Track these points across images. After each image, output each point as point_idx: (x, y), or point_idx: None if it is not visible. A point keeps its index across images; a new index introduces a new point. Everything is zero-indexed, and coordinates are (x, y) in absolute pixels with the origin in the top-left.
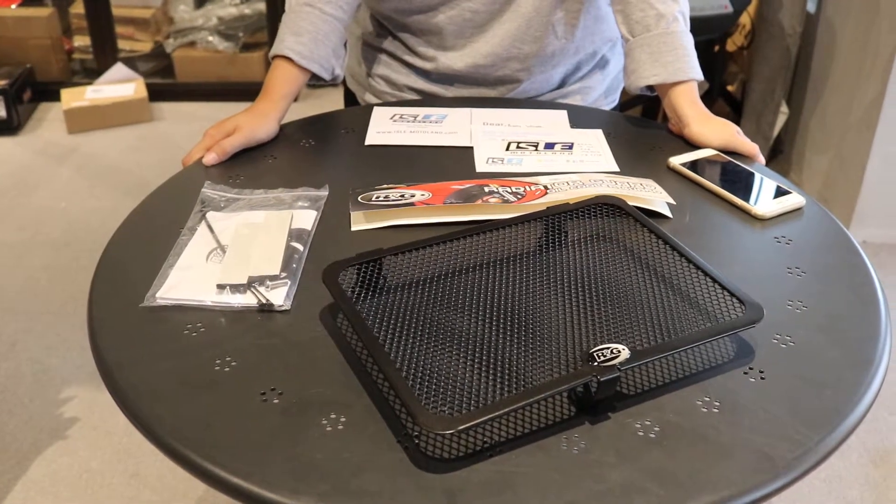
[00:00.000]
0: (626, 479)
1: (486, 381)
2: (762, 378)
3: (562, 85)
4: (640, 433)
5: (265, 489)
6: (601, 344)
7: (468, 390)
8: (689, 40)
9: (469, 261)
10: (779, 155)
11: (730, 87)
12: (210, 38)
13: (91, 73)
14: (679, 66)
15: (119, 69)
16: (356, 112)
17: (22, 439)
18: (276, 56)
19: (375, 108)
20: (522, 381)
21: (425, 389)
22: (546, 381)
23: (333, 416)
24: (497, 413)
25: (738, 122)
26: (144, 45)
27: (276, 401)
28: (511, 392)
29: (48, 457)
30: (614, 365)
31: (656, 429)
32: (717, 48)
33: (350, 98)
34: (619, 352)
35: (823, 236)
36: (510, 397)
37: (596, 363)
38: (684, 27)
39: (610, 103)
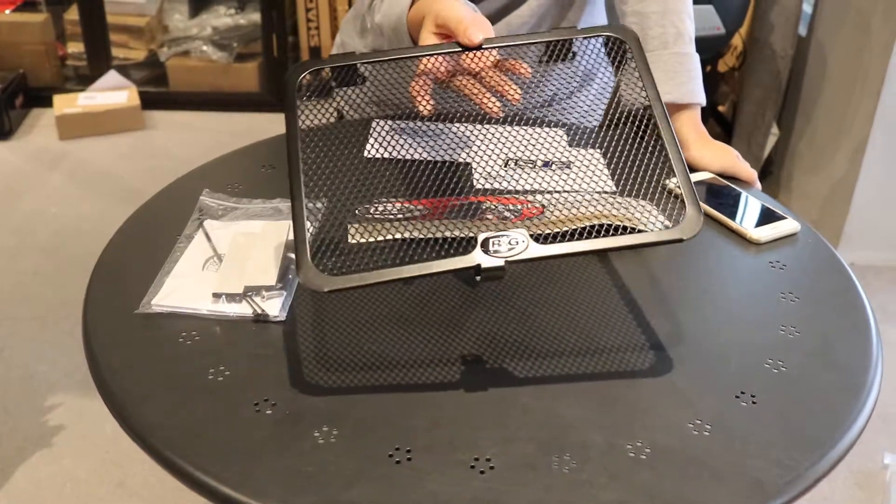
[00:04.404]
0: (616, 500)
1: (389, 257)
2: (753, 402)
3: (549, 103)
4: (631, 454)
5: (255, 499)
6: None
7: (368, 260)
8: (699, 64)
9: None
10: (768, 176)
11: (721, 108)
12: (204, 48)
13: (84, 79)
14: (690, 88)
15: (112, 76)
16: (355, 125)
17: (6, 447)
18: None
19: (375, 122)
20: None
21: (325, 244)
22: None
23: (326, 428)
24: (377, 281)
25: (728, 143)
26: (138, 53)
27: (268, 411)
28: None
29: (33, 465)
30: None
31: (647, 450)
32: (708, 69)
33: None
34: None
35: (817, 262)
36: (395, 268)
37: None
38: (695, 50)
39: (594, 122)
